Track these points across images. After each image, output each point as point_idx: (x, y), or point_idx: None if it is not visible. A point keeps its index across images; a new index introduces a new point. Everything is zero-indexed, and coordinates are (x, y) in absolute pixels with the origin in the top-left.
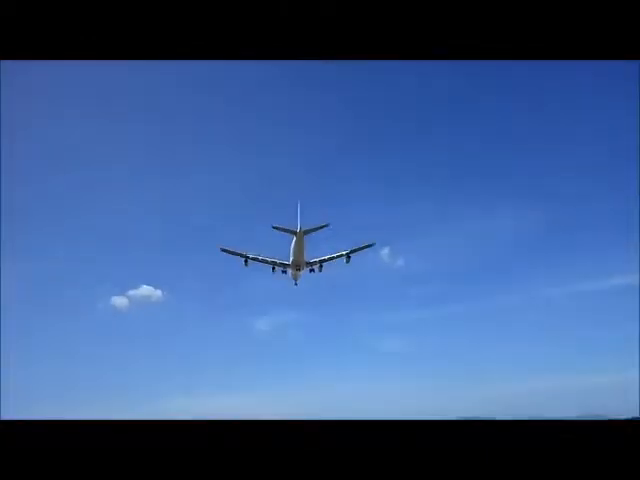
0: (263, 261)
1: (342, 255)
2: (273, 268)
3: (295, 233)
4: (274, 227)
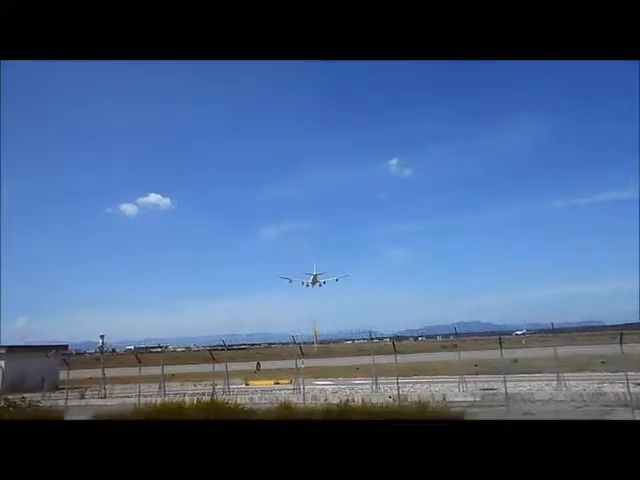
0: (294, 281)
1: (333, 278)
2: (302, 282)
3: (313, 275)
4: (306, 273)
